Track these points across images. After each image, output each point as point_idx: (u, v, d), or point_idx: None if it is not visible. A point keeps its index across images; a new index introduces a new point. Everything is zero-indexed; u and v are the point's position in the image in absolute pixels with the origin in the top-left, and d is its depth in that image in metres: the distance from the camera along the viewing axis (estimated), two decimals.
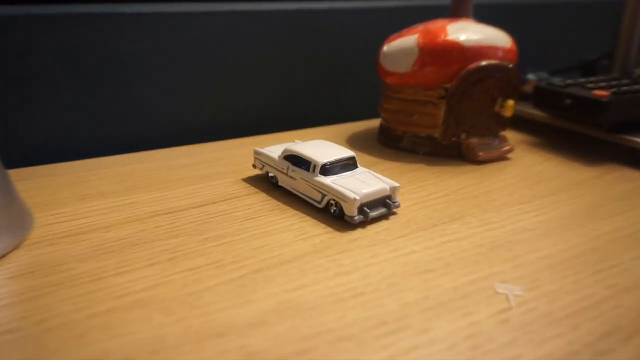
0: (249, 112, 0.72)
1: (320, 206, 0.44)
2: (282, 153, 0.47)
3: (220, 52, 0.68)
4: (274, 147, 0.51)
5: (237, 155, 0.60)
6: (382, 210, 0.44)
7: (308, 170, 0.44)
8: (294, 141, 0.52)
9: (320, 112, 0.78)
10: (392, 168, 0.56)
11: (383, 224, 0.44)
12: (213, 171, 0.55)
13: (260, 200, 0.47)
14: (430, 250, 0.40)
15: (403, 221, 0.44)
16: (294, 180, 0.46)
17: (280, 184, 0.48)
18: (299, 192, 0.46)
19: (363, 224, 0.43)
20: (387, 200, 0.44)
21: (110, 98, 0.62)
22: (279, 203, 0.47)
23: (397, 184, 0.44)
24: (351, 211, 0.41)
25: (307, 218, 0.44)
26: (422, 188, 0.51)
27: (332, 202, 0.43)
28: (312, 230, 0.42)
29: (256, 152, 0.50)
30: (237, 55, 0.69)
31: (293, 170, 0.46)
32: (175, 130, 0.67)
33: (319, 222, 0.44)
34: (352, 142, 0.65)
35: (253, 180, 0.52)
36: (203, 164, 0.57)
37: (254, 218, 0.44)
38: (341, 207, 0.42)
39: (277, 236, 0.41)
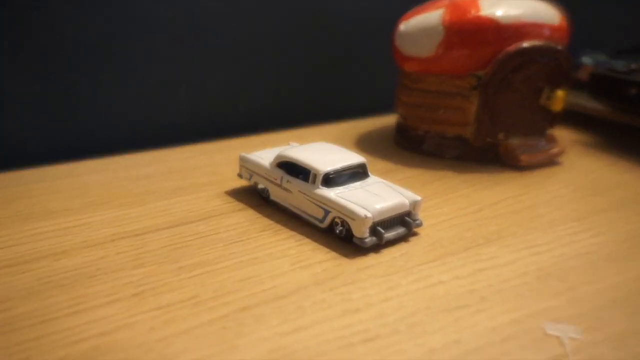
0: (233, 108, 0.73)
1: (323, 226, 0.44)
2: (275, 159, 0.47)
3: (198, 34, 0.68)
4: (265, 151, 0.51)
5: (219, 162, 0.60)
6: (401, 230, 0.44)
7: (307, 181, 0.44)
8: (289, 144, 0.53)
9: (322, 106, 0.78)
10: (413, 177, 0.57)
11: (402, 247, 0.44)
12: (189, 182, 0.55)
13: (248, 219, 0.47)
14: (462, 280, 0.40)
15: (427, 244, 0.44)
16: (290, 194, 0.46)
17: (272, 198, 0.48)
18: (295, 208, 0.46)
19: (377, 247, 0.43)
20: (407, 218, 0.44)
21: (61, 89, 0.62)
22: (271, 222, 0.47)
23: (418, 197, 0.44)
24: (362, 232, 0.41)
25: (307, 241, 0.44)
26: (449, 202, 0.51)
27: (337, 220, 0.43)
28: (313, 257, 0.42)
29: (242, 159, 0.50)
30: (218, 38, 0.69)
31: (288, 181, 0.46)
32: (142, 131, 0.67)
33: (320, 246, 0.44)
34: (362, 144, 0.65)
35: (238, 194, 0.52)
36: (177, 173, 0.57)
37: (239, 241, 0.44)
38: (349, 226, 0.42)
39: (269, 264, 0.41)
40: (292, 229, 0.46)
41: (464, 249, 0.44)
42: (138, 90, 0.66)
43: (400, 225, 0.44)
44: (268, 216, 0.48)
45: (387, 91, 0.75)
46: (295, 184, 0.46)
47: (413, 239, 0.45)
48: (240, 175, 0.51)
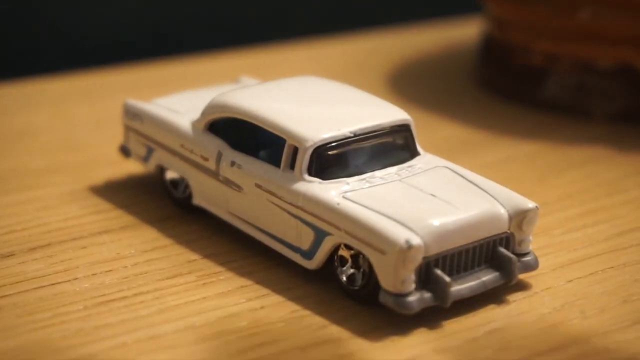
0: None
1: (311, 265, 0.31)
2: (204, 114, 0.36)
3: None
4: (182, 96, 0.39)
5: (81, 118, 0.47)
6: (489, 276, 0.31)
7: (277, 164, 0.33)
8: (237, 81, 0.40)
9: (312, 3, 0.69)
10: (518, 158, 0.44)
11: (490, 316, 0.31)
12: (10, 165, 0.42)
13: (140, 250, 0.34)
14: None
15: (549, 309, 0.31)
16: (238, 193, 0.34)
17: (197, 201, 0.35)
18: (250, 223, 0.34)
19: (433, 314, 0.31)
20: (501, 250, 0.32)
21: None
22: (194, 257, 0.33)
23: (530, 205, 0.32)
24: (399, 278, 0.29)
25: (273, 301, 0.31)
26: (602, 215, 0.37)
27: (344, 254, 0.32)
28: (294, 324, 0.30)
29: (132, 112, 0.38)
30: None
31: (235, 164, 0.34)
32: None
33: (304, 315, 0.30)
34: (398, 82, 0.52)
35: (121, 193, 0.39)
36: None
37: (115, 301, 0.30)
38: (371, 267, 0.30)
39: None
40: (242, 273, 0.32)
41: (632, 324, 0.30)
42: None
43: (488, 267, 0.32)
44: (187, 244, 0.34)
45: None
46: (249, 169, 0.34)
47: (517, 296, 0.32)
48: (125, 150, 0.38)
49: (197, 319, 0.28)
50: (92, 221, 0.36)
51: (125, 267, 0.31)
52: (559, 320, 0.30)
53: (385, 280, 0.28)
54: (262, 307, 0.29)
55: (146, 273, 0.31)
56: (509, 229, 0.31)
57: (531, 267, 0.31)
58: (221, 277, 0.31)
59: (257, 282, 0.31)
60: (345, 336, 0.28)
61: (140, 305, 0.28)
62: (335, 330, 0.28)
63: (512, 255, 0.30)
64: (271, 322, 0.28)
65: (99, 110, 0.47)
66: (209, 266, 0.32)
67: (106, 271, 0.31)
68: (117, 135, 0.43)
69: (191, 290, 0.30)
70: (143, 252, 0.32)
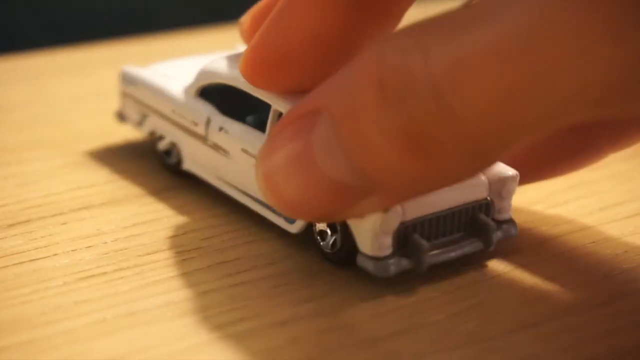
0: None
1: (294, 229, 0.32)
2: (195, 81, 0.36)
3: None
4: (176, 63, 0.39)
5: (72, 88, 0.47)
6: (467, 243, 0.32)
7: (263, 130, 0.34)
8: (234, 50, 0.39)
9: None
10: None
11: (469, 283, 0.32)
12: (20, 140, 0.41)
13: (122, 220, 0.34)
14: None
15: (531, 284, 0.32)
16: (226, 158, 0.35)
17: (186, 166, 0.36)
18: (238, 189, 0.35)
19: (410, 280, 0.31)
20: (482, 216, 0.32)
21: None
22: (176, 232, 0.34)
23: (510, 172, 0.32)
24: (375, 242, 0.30)
25: (253, 272, 0.31)
26: (581, 189, 0.38)
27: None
28: (267, 309, 0.29)
29: (128, 79, 0.39)
30: None
31: (222, 129, 0.35)
32: None
33: (287, 277, 0.31)
34: None
35: (117, 161, 0.39)
36: None
37: (107, 274, 0.30)
38: (348, 231, 0.31)
39: (169, 331, 0.28)
40: (222, 249, 0.32)
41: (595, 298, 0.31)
42: None
43: (466, 233, 0.32)
44: (167, 219, 0.34)
45: None
46: (237, 135, 0.34)
47: (499, 273, 0.32)
48: (121, 116, 0.39)
49: (177, 294, 0.28)
50: (73, 197, 0.35)
51: (106, 243, 0.31)
52: (541, 295, 0.31)
53: (363, 243, 0.29)
54: (242, 283, 0.29)
55: (126, 249, 0.31)
56: (488, 196, 0.31)
57: (510, 233, 0.31)
58: (202, 253, 0.31)
59: (238, 258, 0.31)
60: (326, 311, 0.28)
61: (120, 281, 0.28)
62: (316, 305, 0.29)
63: (491, 222, 0.30)
64: (251, 298, 0.28)
65: (78, 86, 0.47)
66: (190, 242, 0.31)
67: (86, 247, 0.31)
68: (97, 111, 0.43)
69: (171, 266, 0.30)
70: (124, 228, 0.32)
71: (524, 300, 0.30)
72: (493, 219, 0.31)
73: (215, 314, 0.27)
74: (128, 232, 0.32)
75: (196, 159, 0.35)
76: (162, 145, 0.36)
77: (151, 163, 0.37)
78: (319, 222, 0.31)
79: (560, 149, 0.34)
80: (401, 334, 0.27)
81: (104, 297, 0.28)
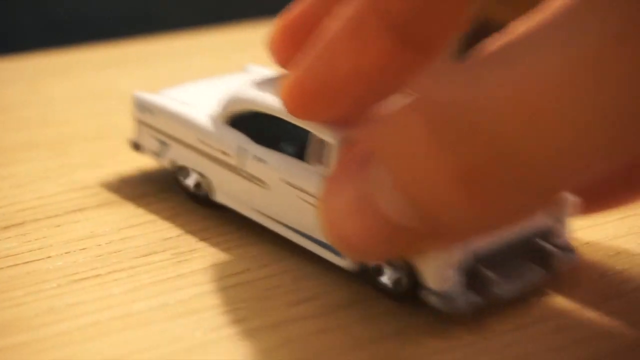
0: None
1: (349, 265, 0.30)
2: (225, 108, 0.33)
3: None
4: (195, 86, 0.37)
5: (55, 95, 0.46)
6: (531, 273, 0.30)
7: (304, 158, 0.31)
8: (244, 69, 0.39)
9: None
10: None
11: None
12: (14, 141, 0.40)
13: (117, 222, 0.33)
14: None
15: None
16: (262, 188, 0.32)
17: (218, 198, 0.34)
18: (277, 220, 0.32)
19: (477, 314, 0.29)
20: (542, 243, 0.30)
21: None
22: (170, 234, 0.33)
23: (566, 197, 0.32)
24: (442, 277, 0.29)
25: (247, 274, 0.30)
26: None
27: None
28: (268, 301, 0.29)
29: (142, 105, 0.35)
30: None
31: (257, 159, 0.33)
32: None
33: (284, 287, 0.30)
34: None
35: (98, 168, 0.38)
36: None
37: (96, 277, 0.30)
38: (412, 267, 0.29)
39: None
40: (217, 251, 0.31)
41: None
42: None
43: (529, 262, 0.31)
44: (162, 221, 0.33)
45: None
46: (275, 164, 0.32)
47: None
48: (137, 146, 0.36)
49: (171, 296, 0.27)
50: (68, 199, 0.35)
51: (100, 245, 0.31)
52: (535, 296, 0.30)
53: (428, 277, 0.27)
54: (236, 285, 0.28)
55: (120, 251, 0.30)
56: (550, 224, 0.30)
57: (571, 261, 0.30)
58: (196, 255, 0.30)
59: (232, 260, 0.30)
60: (319, 312, 0.28)
61: (114, 284, 0.28)
62: (309, 307, 0.28)
63: (554, 248, 0.29)
64: (244, 300, 0.28)
65: (75, 87, 0.46)
66: (184, 244, 0.30)
67: (80, 249, 0.30)
68: (92, 112, 0.42)
69: (166, 268, 0.29)
70: (118, 230, 0.31)
71: (517, 301, 0.29)
72: (554, 244, 0.31)
73: (209, 316, 0.27)
74: (122, 234, 0.32)
75: (229, 190, 0.33)
76: (190, 181, 0.35)
77: (146, 166, 0.37)
78: (379, 262, 0.30)
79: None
80: (395, 335, 0.27)
81: (98, 299, 0.28)
